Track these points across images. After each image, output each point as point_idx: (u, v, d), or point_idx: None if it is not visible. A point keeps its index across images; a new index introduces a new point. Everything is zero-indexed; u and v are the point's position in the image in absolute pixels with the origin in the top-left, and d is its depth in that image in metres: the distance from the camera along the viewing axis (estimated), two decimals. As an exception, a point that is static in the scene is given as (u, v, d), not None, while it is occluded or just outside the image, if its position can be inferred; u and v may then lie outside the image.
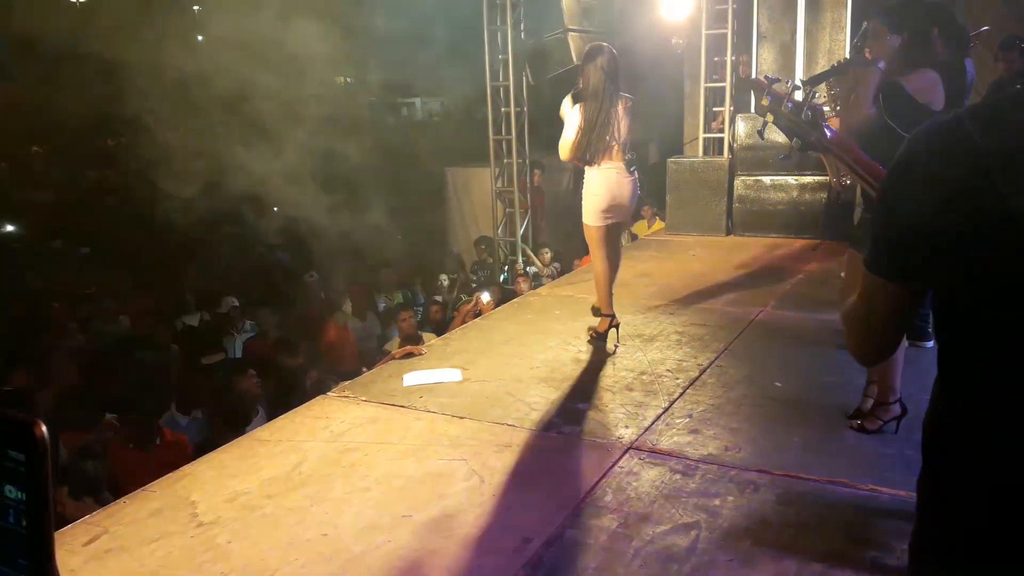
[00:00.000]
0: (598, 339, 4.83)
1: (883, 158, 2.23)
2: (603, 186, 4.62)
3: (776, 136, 3.32)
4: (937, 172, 1.11)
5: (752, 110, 8.14)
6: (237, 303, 8.05)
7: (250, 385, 5.29)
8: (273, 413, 4.61)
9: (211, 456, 3.58)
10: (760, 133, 2.83)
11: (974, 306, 1.12)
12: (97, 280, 8.97)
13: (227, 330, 7.24)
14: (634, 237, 9.65)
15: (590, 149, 4.55)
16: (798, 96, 2.12)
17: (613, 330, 4.81)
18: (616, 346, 4.78)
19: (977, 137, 1.07)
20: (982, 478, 1.14)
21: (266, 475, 3.31)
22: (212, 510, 3.04)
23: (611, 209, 4.68)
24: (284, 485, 3.22)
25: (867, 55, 3.48)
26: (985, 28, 4.33)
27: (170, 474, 3.40)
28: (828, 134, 2.03)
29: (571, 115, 4.55)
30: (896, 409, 3.41)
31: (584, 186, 4.75)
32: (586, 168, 4.67)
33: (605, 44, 4.61)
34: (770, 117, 2.18)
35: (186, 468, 3.45)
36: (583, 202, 4.75)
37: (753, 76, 8.25)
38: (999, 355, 1.11)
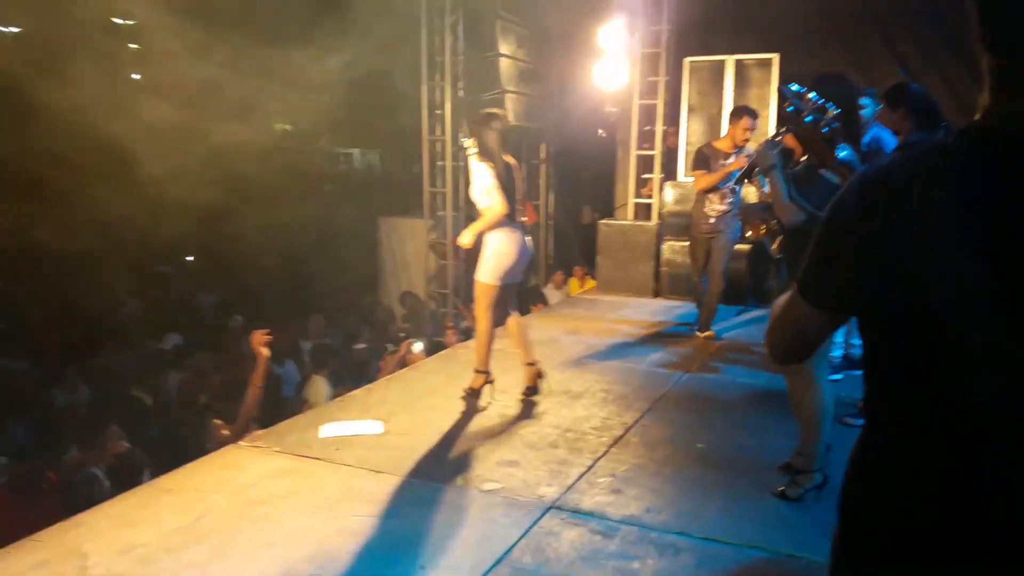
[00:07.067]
0: (471, 396, 4.77)
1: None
2: (514, 245, 4.59)
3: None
4: (873, 225, 1.12)
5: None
6: (181, 340, 7.81)
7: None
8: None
9: (107, 505, 3.36)
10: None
11: (900, 354, 1.13)
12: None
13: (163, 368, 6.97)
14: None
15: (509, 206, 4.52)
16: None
17: (488, 386, 4.82)
18: (489, 403, 4.75)
19: (915, 201, 1.07)
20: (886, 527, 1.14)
21: (166, 527, 3.11)
22: (104, 563, 2.83)
23: (514, 269, 4.66)
24: (184, 538, 3.03)
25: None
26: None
27: (62, 522, 3.17)
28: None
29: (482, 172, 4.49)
30: (817, 478, 3.44)
31: (490, 244, 4.59)
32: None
33: (500, 111, 4.64)
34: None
35: (80, 516, 3.23)
36: (488, 261, 4.59)
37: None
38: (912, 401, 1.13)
